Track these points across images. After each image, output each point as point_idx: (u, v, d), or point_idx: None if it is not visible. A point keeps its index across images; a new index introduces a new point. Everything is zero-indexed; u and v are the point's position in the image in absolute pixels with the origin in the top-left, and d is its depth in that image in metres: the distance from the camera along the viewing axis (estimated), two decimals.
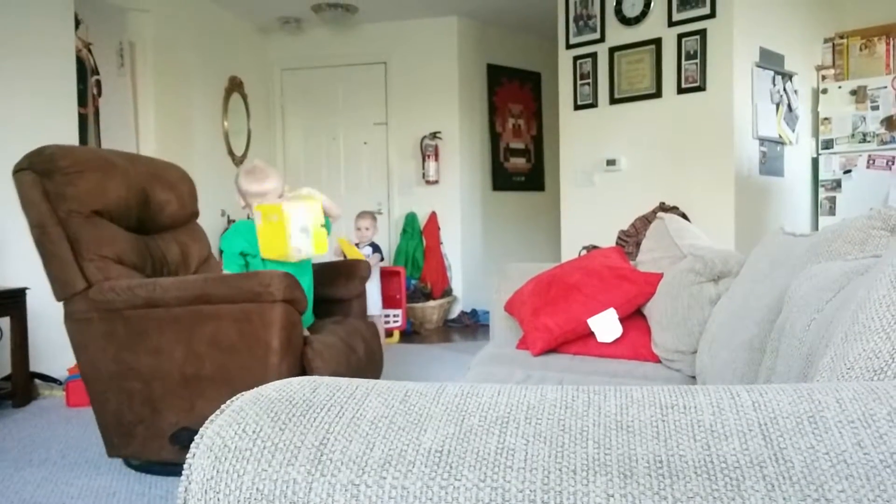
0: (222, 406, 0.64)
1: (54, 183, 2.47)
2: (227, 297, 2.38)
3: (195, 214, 3.25)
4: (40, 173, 2.47)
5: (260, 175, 2.83)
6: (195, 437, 0.60)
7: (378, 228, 5.56)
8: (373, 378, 2.98)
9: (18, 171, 2.48)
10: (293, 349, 2.44)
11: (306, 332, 2.66)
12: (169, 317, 2.43)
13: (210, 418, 0.62)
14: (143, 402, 2.48)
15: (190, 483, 0.57)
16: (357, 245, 5.21)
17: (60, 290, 2.50)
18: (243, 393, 0.66)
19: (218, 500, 0.55)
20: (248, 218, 2.92)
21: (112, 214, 2.65)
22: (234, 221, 5.80)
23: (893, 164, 4.57)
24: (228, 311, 2.39)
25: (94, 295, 2.46)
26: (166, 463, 2.52)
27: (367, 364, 2.92)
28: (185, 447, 2.41)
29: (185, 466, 0.58)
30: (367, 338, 3.05)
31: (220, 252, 2.89)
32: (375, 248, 5.27)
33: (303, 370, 2.51)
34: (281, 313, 2.37)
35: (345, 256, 4.77)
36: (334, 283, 3.24)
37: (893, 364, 0.71)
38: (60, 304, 2.54)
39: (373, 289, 4.95)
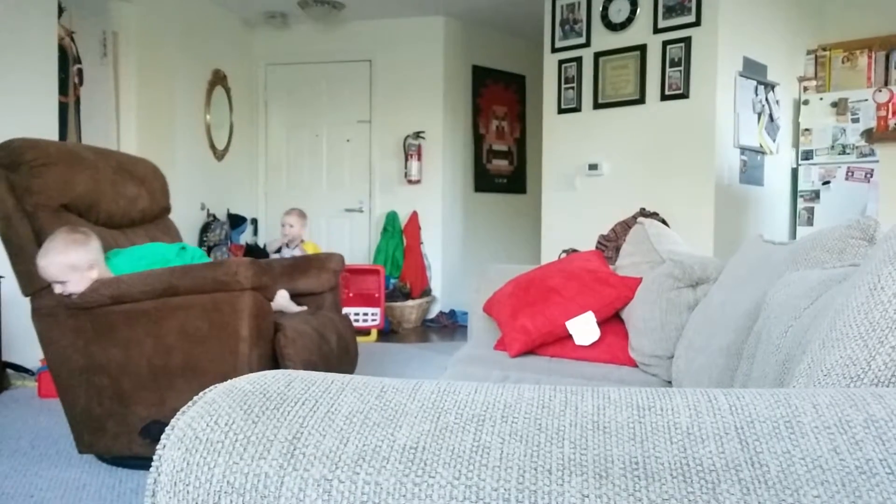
0: (194, 398, 0.63)
1: (20, 176, 2.41)
2: (194, 288, 2.36)
3: (167, 210, 3.22)
4: (6, 167, 2.41)
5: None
6: (166, 429, 0.59)
7: (308, 227, 4.97)
8: (347, 371, 2.95)
9: None
10: (263, 337, 2.43)
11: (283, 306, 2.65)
12: (136, 310, 2.39)
13: (182, 410, 0.61)
14: (113, 397, 2.44)
15: (159, 475, 0.56)
16: (287, 245, 4.68)
17: (27, 285, 2.45)
18: (216, 385, 0.65)
19: (188, 492, 0.54)
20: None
21: (80, 208, 2.61)
22: (213, 215, 5.75)
23: (872, 176, 4.63)
24: (196, 302, 2.36)
25: None
26: (138, 456, 2.49)
27: (340, 355, 2.90)
28: (156, 440, 2.38)
29: (155, 458, 0.57)
30: (341, 330, 3.03)
31: None
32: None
33: (274, 358, 2.49)
34: (250, 301, 2.35)
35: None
36: (306, 275, 3.22)
37: (870, 371, 0.71)
38: None
39: None
